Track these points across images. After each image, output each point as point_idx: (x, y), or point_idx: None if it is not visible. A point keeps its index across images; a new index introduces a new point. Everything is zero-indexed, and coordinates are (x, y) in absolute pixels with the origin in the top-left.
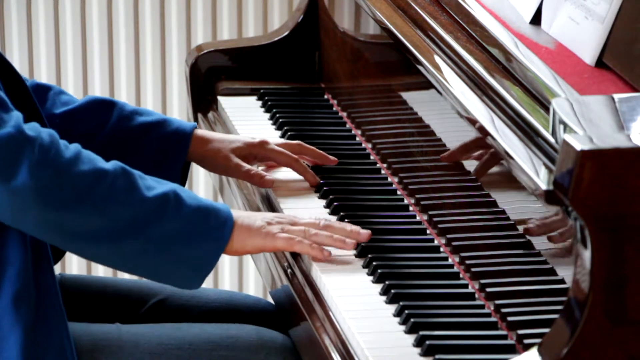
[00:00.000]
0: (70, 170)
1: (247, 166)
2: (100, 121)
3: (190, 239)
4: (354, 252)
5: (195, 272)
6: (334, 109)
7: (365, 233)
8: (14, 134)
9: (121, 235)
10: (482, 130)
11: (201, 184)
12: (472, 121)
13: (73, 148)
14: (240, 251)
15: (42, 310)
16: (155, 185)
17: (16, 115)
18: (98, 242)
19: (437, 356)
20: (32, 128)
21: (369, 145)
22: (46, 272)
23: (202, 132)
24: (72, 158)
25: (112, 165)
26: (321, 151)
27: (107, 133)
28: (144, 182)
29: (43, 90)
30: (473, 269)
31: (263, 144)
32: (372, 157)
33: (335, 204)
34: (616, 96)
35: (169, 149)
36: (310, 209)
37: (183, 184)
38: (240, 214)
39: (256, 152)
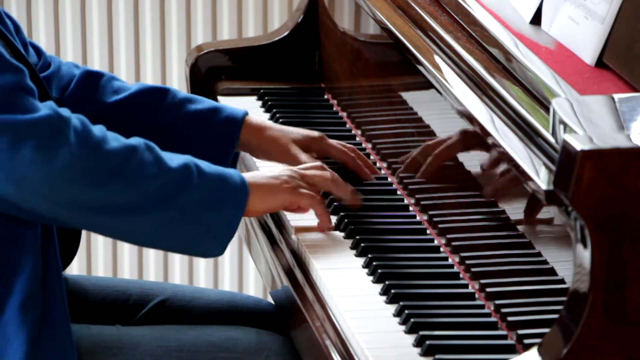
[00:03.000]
0: (103, 149)
1: (304, 157)
2: (151, 110)
3: (213, 205)
4: (355, 251)
5: (219, 238)
6: (334, 109)
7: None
8: (52, 115)
9: (152, 207)
10: (482, 130)
11: None
12: (472, 121)
13: (99, 127)
14: (261, 210)
15: (48, 315)
16: (172, 157)
17: (49, 101)
18: (128, 215)
19: (437, 356)
20: (64, 110)
21: (369, 145)
22: (54, 278)
23: (257, 119)
24: (102, 137)
25: (135, 140)
26: (370, 162)
27: (157, 122)
28: (165, 154)
29: (94, 77)
30: (473, 269)
31: (322, 139)
32: (372, 157)
33: (335, 204)
34: (616, 96)
35: (220, 137)
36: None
37: None
38: (252, 175)
39: (314, 145)
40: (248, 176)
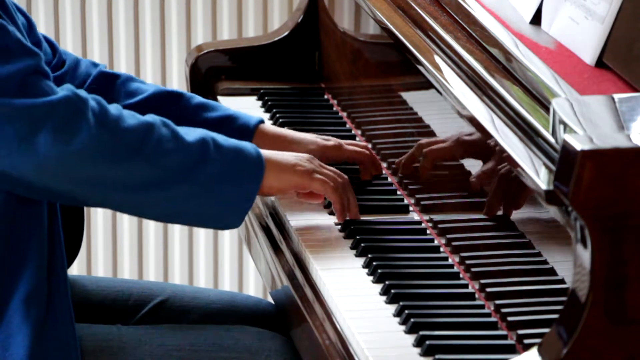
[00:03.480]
0: (121, 127)
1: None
2: (163, 116)
3: (231, 178)
4: (355, 251)
5: (236, 211)
6: (334, 109)
7: (357, 214)
8: (71, 97)
9: (171, 182)
10: (482, 130)
11: None
12: (472, 121)
13: (115, 106)
14: (275, 187)
15: (52, 309)
16: (189, 132)
17: (67, 84)
18: (147, 191)
19: (437, 356)
20: (81, 91)
21: (369, 145)
22: (59, 272)
23: (271, 128)
24: (119, 115)
25: (151, 117)
26: (380, 165)
27: None
28: (181, 129)
29: (110, 78)
30: (473, 269)
31: (339, 147)
32: None
33: None
34: (616, 96)
35: None
36: (310, 209)
37: None
38: (269, 152)
39: (331, 155)
40: (264, 152)
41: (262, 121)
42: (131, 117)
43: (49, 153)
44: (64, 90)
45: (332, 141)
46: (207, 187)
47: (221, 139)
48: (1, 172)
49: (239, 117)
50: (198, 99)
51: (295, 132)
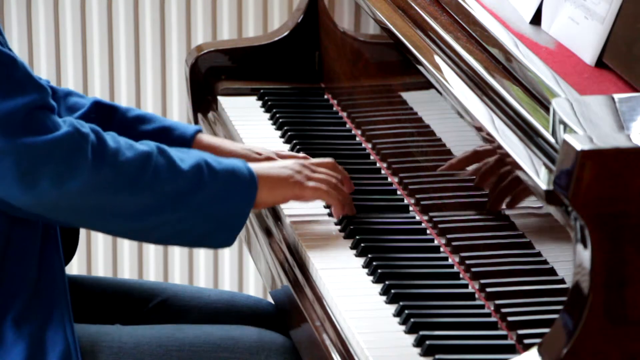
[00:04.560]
0: (119, 160)
1: None
2: (103, 129)
3: (224, 201)
4: (355, 251)
5: (230, 230)
6: (334, 109)
7: (352, 209)
8: (73, 133)
9: (167, 209)
10: (482, 130)
11: None
12: (472, 121)
13: (111, 136)
14: (269, 202)
15: (49, 318)
16: (184, 157)
17: (69, 117)
18: (145, 219)
19: (437, 356)
20: (81, 124)
21: (369, 145)
22: (57, 280)
23: (209, 138)
24: (117, 148)
25: (147, 145)
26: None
27: None
28: (176, 154)
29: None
30: (473, 269)
31: (269, 160)
32: (372, 157)
33: None
34: (616, 96)
35: None
36: (309, 209)
37: None
38: (259, 167)
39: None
40: (256, 168)
41: (199, 130)
42: (128, 149)
43: (49, 190)
44: (67, 125)
45: (264, 155)
46: (201, 211)
47: (214, 162)
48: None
49: (177, 128)
50: (135, 111)
51: (231, 143)
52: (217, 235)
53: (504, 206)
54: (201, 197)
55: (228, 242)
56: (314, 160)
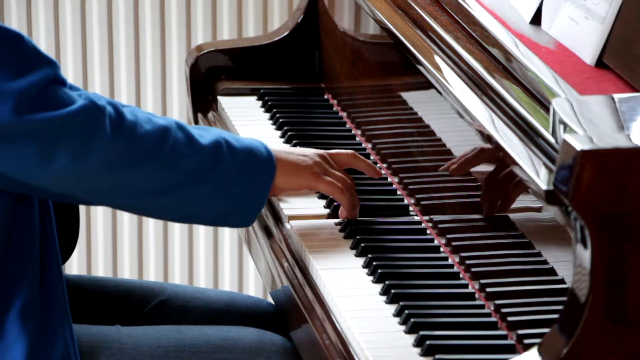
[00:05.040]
0: (138, 133)
1: None
2: None
3: (244, 178)
4: (355, 251)
5: (250, 209)
6: (334, 109)
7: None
8: (89, 106)
9: (186, 185)
10: (482, 130)
11: None
12: (472, 121)
13: (129, 110)
14: (285, 187)
15: (49, 316)
16: (203, 133)
17: (83, 91)
18: (164, 195)
19: (437, 356)
20: (98, 97)
21: (369, 145)
22: (55, 278)
23: None
24: (135, 120)
25: (166, 120)
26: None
27: None
28: (195, 131)
29: None
30: (473, 269)
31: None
32: (372, 157)
33: (335, 204)
34: (616, 96)
35: None
36: (309, 209)
37: None
38: (279, 150)
39: None
40: (276, 151)
41: None
42: (147, 122)
43: (69, 165)
44: (82, 98)
45: None
46: (220, 188)
47: (233, 139)
48: (15, 179)
49: None
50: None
51: None
52: (237, 214)
53: (504, 206)
54: (220, 173)
55: (248, 222)
56: (333, 152)
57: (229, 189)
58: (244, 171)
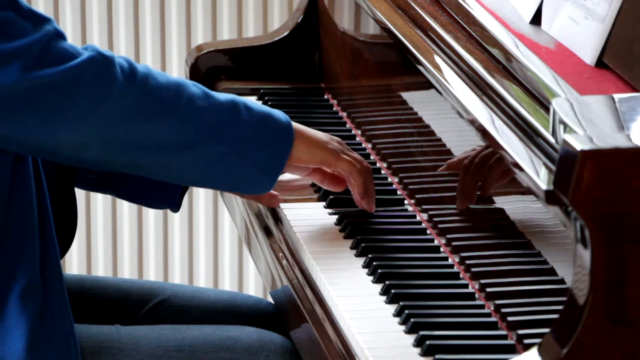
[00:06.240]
0: (151, 84)
1: None
2: None
3: (262, 141)
4: (355, 251)
5: (267, 175)
6: (334, 109)
7: (372, 205)
8: (95, 57)
9: (201, 141)
10: (482, 130)
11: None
12: (472, 121)
13: (143, 65)
14: (303, 159)
15: (48, 303)
16: (219, 93)
17: (90, 44)
18: (178, 151)
19: (437, 356)
20: (105, 50)
21: (369, 145)
22: (53, 266)
23: None
24: (148, 73)
25: (180, 78)
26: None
27: None
28: (210, 90)
29: None
30: (473, 269)
31: None
32: (372, 157)
33: (331, 197)
34: (616, 96)
35: None
36: (310, 209)
37: (180, 204)
38: (300, 125)
39: None
40: (296, 124)
41: None
42: (161, 75)
43: (82, 121)
44: (88, 50)
45: None
46: (236, 148)
47: (252, 103)
48: (32, 143)
49: None
50: None
51: None
52: (253, 178)
53: (503, 206)
54: (237, 132)
55: (264, 188)
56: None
57: (245, 150)
58: (261, 132)
